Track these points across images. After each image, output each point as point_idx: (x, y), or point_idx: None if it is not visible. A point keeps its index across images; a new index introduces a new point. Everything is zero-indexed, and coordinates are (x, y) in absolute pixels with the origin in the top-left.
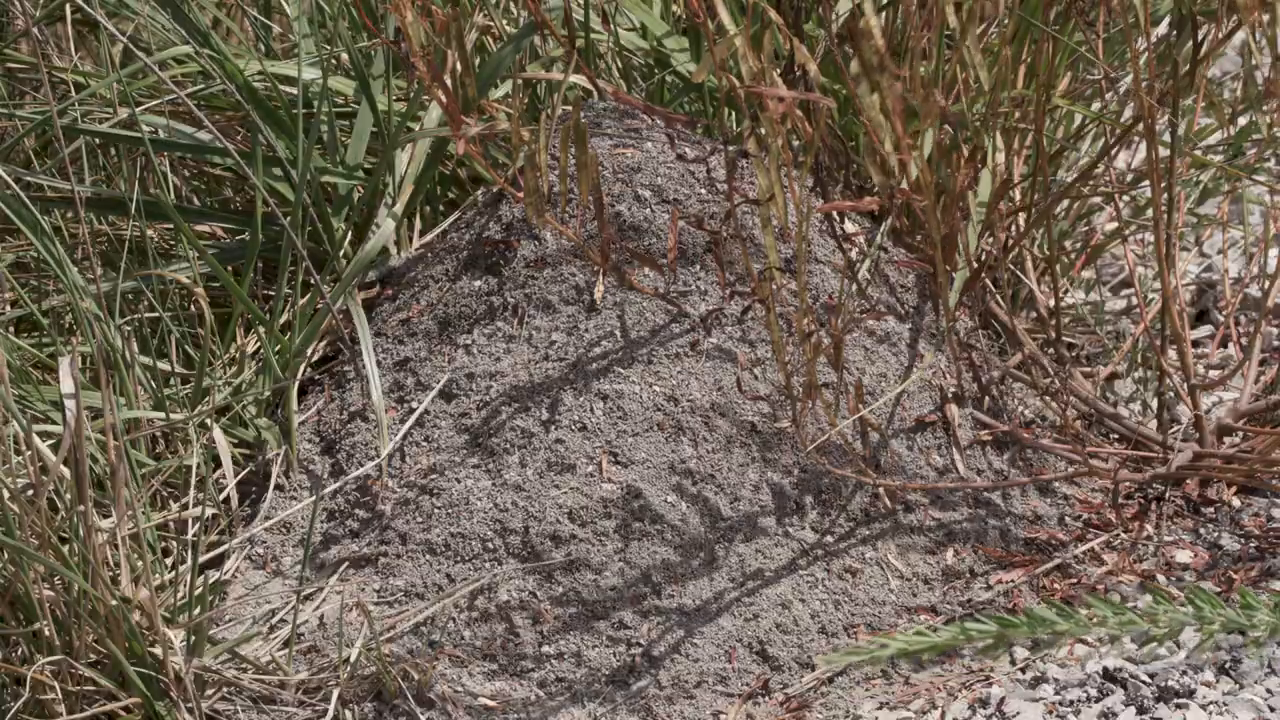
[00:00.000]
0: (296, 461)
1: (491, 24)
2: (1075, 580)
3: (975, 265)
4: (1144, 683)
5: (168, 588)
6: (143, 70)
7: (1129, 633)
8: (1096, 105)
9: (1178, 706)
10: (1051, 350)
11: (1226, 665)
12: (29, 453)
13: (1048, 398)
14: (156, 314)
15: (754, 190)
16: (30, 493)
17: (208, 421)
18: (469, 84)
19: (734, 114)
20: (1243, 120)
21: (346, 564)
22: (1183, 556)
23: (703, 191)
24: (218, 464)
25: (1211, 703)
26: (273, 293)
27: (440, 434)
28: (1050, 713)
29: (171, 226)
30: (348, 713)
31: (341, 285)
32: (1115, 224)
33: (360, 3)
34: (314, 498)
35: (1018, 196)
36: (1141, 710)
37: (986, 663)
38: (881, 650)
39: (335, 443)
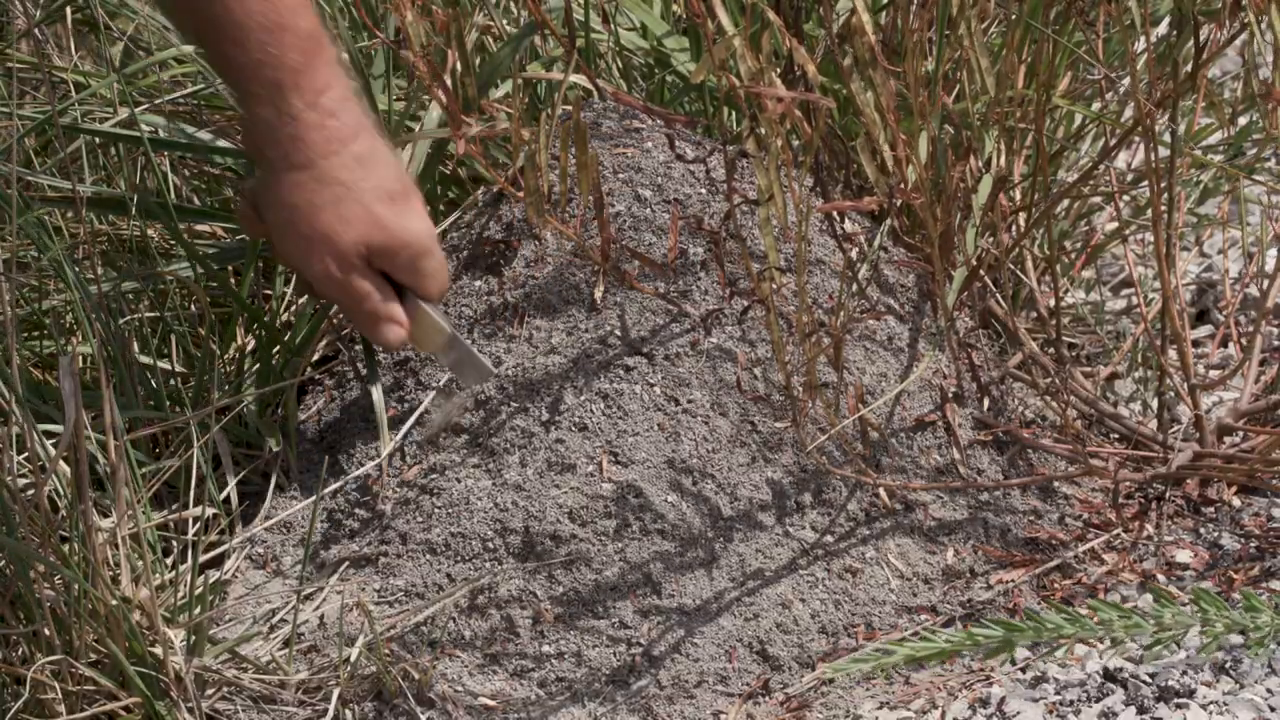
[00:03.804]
0: (296, 461)
1: (491, 24)
2: (1076, 580)
3: (973, 265)
4: (1144, 683)
5: (168, 588)
6: (143, 70)
7: (1134, 636)
8: (1096, 105)
9: (1178, 706)
10: (1051, 350)
11: (1226, 665)
12: (30, 450)
13: (1048, 398)
14: (156, 314)
15: (754, 190)
16: (30, 492)
17: (208, 421)
18: (469, 84)
19: (734, 114)
20: (1243, 120)
21: (346, 564)
22: (1183, 556)
23: (703, 191)
24: (218, 464)
25: (1211, 703)
26: (272, 292)
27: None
28: (1050, 712)
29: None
30: (348, 712)
31: None
32: (1115, 224)
33: (360, 2)
34: (314, 498)
35: (1018, 196)
36: (1141, 710)
37: (987, 663)
38: (888, 659)
39: (335, 443)
